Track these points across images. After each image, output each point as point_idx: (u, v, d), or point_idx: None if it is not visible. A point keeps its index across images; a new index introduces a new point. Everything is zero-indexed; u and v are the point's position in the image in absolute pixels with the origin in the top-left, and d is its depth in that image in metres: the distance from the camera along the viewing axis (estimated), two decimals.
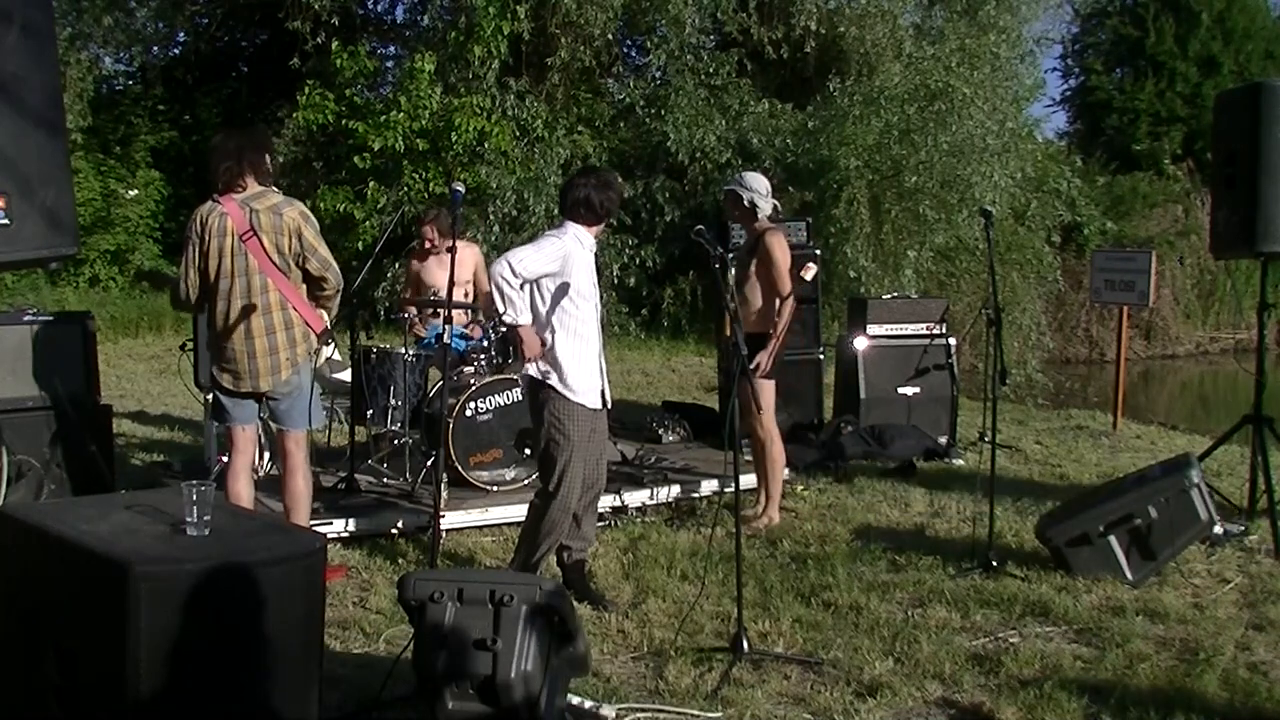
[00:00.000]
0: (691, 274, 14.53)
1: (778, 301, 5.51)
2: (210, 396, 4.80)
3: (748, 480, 5.74)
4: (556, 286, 4.33)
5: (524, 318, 4.30)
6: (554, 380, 4.35)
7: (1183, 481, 4.81)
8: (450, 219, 5.34)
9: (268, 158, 4.54)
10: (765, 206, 5.60)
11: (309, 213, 4.54)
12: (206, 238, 4.41)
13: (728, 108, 14.78)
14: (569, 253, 4.34)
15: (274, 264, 4.40)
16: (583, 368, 4.38)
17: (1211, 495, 5.03)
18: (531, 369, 4.39)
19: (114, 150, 15.62)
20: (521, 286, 4.28)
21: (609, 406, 4.63)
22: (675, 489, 6.03)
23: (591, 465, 4.50)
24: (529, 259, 4.28)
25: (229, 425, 4.58)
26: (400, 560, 5.01)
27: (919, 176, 12.96)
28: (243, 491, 4.54)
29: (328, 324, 4.68)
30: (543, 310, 4.36)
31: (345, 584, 4.66)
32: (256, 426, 4.72)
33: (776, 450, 5.67)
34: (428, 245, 6.51)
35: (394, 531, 5.30)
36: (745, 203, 5.58)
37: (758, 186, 5.59)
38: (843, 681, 3.74)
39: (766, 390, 5.58)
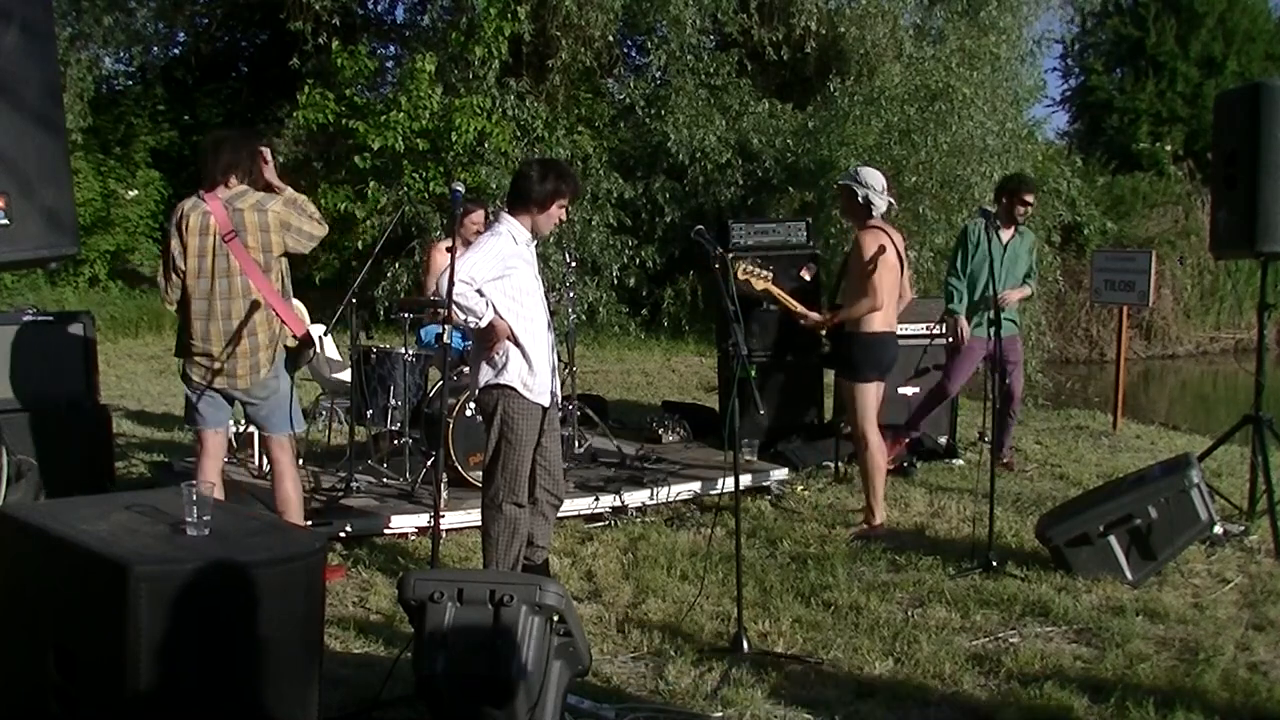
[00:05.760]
0: (691, 274, 14.52)
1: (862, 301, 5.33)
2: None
3: (747, 480, 5.73)
4: (499, 289, 4.30)
5: (488, 315, 4.28)
6: (506, 379, 4.34)
7: (1183, 481, 4.81)
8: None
9: (257, 159, 4.44)
10: (880, 204, 5.38)
11: (296, 196, 4.47)
12: (186, 235, 4.37)
13: (728, 108, 14.77)
14: (506, 252, 4.32)
15: (256, 265, 4.36)
16: (535, 365, 4.37)
17: (1211, 495, 5.03)
18: (485, 373, 4.37)
19: (114, 150, 15.60)
20: (478, 291, 4.25)
21: (558, 404, 4.67)
22: (675, 489, 6.03)
23: (549, 457, 4.54)
24: (474, 262, 4.24)
25: (199, 429, 4.51)
26: (400, 560, 5.01)
27: (919, 177, 12.95)
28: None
29: (308, 328, 4.64)
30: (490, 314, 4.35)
31: (345, 584, 4.66)
32: (227, 430, 4.68)
33: (866, 458, 5.48)
34: (473, 235, 6.34)
35: (393, 531, 5.30)
36: (860, 199, 5.37)
37: (873, 183, 5.36)
38: (843, 681, 3.74)
39: (862, 394, 5.43)
